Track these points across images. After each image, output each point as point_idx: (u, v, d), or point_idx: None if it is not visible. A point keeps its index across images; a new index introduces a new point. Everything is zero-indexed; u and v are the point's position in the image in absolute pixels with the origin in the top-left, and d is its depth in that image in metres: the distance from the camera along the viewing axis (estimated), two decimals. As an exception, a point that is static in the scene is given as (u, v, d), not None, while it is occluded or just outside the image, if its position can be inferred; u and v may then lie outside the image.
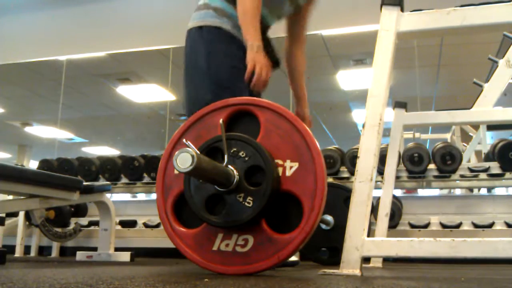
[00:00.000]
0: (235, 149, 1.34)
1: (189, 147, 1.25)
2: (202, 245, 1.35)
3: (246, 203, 1.29)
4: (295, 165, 1.34)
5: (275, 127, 1.38)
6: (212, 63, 1.79)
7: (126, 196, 5.27)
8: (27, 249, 3.78)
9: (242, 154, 1.33)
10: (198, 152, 1.16)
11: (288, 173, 1.34)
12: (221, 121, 1.37)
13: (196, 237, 1.37)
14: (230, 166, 1.31)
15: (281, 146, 1.36)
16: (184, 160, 1.12)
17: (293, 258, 2.26)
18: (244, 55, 1.73)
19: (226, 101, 1.47)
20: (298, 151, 1.35)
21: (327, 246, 2.45)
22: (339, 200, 2.44)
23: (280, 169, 1.34)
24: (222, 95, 1.60)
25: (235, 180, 1.30)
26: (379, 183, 2.75)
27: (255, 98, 1.49)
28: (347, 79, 6.33)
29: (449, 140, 5.38)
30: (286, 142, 1.36)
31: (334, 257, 2.41)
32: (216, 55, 1.79)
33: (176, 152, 1.13)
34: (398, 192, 5.41)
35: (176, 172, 1.43)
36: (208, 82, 1.78)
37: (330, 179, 3.70)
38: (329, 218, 2.36)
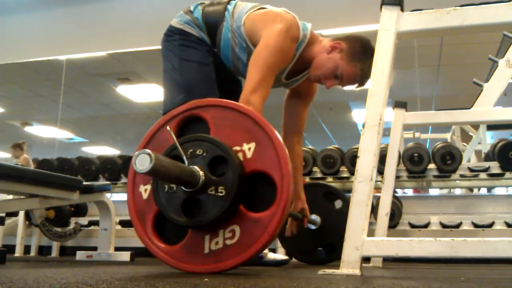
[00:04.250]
0: (191, 150, 1.36)
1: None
2: (194, 253, 1.36)
3: (219, 193, 1.31)
4: (252, 145, 1.37)
5: (222, 119, 1.42)
6: (183, 67, 1.85)
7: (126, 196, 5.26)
8: (27, 248, 3.78)
9: (199, 151, 1.35)
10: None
11: (249, 154, 1.37)
12: (168, 127, 1.38)
13: (185, 248, 1.38)
14: (193, 167, 1.33)
15: (233, 134, 1.39)
16: (142, 160, 1.13)
17: (283, 257, 2.26)
18: (213, 59, 1.87)
19: (170, 113, 1.50)
20: (251, 132, 1.38)
21: (322, 245, 2.45)
22: (319, 196, 2.45)
23: (240, 155, 1.37)
24: (193, 98, 1.69)
25: (201, 178, 1.31)
26: (379, 183, 2.76)
27: (196, 100, 1.51)
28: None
29: (449, 140, 5.38)
30: (236, 128, 1.39)
31: (331, 254, 2.41)
32: (187, 59, 1.86)
33: (135, 154, 1.14)
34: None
35: (144, 195, 1.44)
36: (179, 86, 1.85)
37: (330, 179, 3.71)
38: (315, 217, 2.36)
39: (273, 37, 1.71)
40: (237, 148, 1.37)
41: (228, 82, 1.99)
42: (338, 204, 2.49)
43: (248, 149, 1.37)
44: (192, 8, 1.93)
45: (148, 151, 1.14)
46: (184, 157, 1.34)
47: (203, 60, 1.87)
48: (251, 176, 1.35)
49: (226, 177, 1.32)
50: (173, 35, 1.91)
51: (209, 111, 1.44)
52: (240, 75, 2.00)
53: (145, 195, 1.45)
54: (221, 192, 1.31)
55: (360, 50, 1.83)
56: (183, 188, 1.33)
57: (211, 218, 1.31)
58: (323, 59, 1.85)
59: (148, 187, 1.44)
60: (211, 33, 1.87)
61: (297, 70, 1.92)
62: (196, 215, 1.34)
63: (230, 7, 1.88)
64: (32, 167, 5.04)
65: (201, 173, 1.32)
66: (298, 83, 2.00)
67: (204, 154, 1.35)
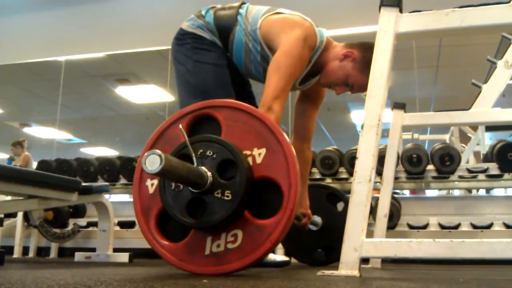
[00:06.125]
0: (201, 150, 1.35)
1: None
2: (195, 253, 1.35)
3: (225, 197, 1.30)
4: (263, 151, 1.35)
5: (234, 121, 1.40)
6: (198, 69, 1.84)
7: (125, 197, 5.26)
8: (25, 250, 3.77)
9: (209, 153, 1.34)
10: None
11: (258, 160, 1.35)
12: (180, 126, 1.38)
13: (186, 247, 1.37)
14: (202, 168, 1.32)
15: (244, 137, 1.38)
16: (152, 161, 1.13)
17: (283, 258, 2.26)
18: (227, 62, 1.86)
19: (182, 111, 1.49)
20: (262, 137, 1.36)
21: (322, 247, 2.45)
22: (322, 198, 2.45)
23: (250, 159, 1.35)
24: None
25: (209, 179, 1.31)
26: (378, 184, 2.76)
27: (210, 100, 1.50)
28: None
29: (447, 141, 5.39)
30: (248, 132, 1.38)
31: (330, 256, 2.41)
32: (202, 61, 1.85)
33: (145, 154, 1.14)
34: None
35: (150, 190, 1.44)
36: (194, 89, 1.84)
37: (328, 180, 3.71)
38: (317, 219, 2.36)
39: (294, 45, 1.72)
40: (247, 152, 1.36)
41: (241, 84, 1.99)
42: (340, 206, 2.49)
43: (258, 154, 1.35)
44: (203, 12, 1.91)
45: (159, 151, 1.13)
46: (194, 157, 1.33)
47: (218, 62, 1.86)
48: (259, 181, 1.34)
49: (234, 181, 1.30)
50: (185, 38, 1.89)
51: (222, 111, 1.43)
52: (251, 77, 1.99)
53: (151, 190, 1.44)
54: (227, 196, 1.30)
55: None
56: (190, 188, 1.33)
57: (215, 221, 1.30)
58: (335, 66, 1.86)
59: (155, 181, 1.43)
60: (223, 37, 1.86)
61: (310, 74, 1.92)
62: (200, 216, 1.33)
63: (242, 11, 1.87)
64: (34, 164, 5.02)
65: (209, 174, 1.31)
66: (309, 86, 2.00)
67: (214, 156, 1.34)
